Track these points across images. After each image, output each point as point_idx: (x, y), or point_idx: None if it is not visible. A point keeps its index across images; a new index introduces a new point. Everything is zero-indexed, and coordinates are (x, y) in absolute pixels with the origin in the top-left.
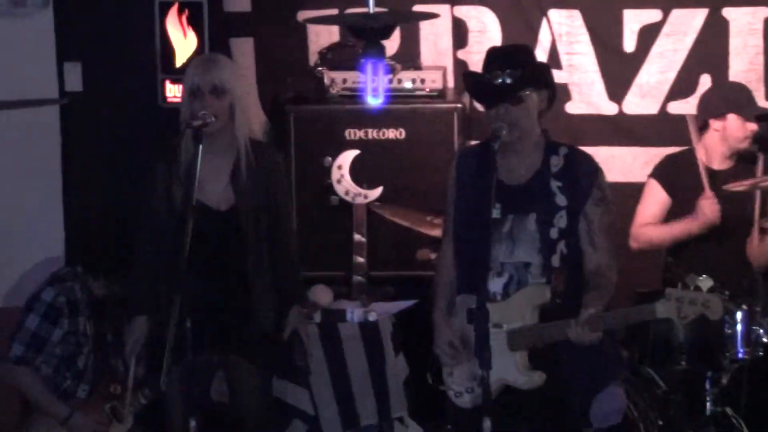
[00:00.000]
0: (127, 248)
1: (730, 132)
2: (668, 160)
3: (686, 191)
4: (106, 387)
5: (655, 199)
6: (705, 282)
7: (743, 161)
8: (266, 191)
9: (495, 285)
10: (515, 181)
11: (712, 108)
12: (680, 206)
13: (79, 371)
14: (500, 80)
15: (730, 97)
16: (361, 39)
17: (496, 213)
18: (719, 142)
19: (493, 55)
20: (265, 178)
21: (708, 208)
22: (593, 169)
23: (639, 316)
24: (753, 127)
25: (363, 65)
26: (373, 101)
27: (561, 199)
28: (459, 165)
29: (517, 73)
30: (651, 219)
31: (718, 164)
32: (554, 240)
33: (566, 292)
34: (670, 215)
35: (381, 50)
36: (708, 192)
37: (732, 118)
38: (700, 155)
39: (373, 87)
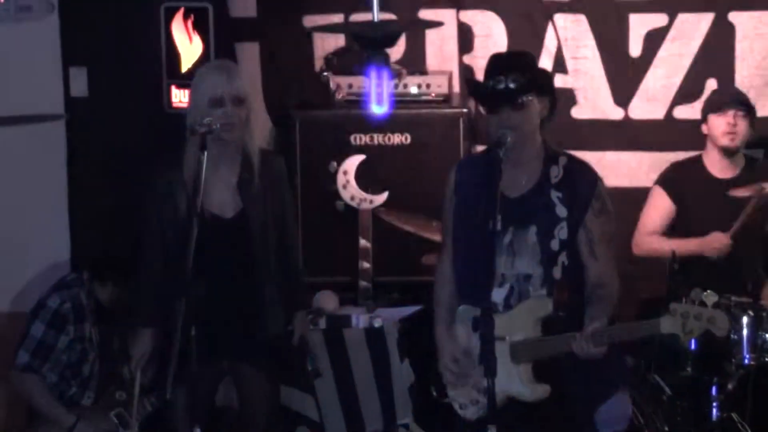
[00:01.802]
0: (133, 254)
1: (712, 131)
2: (674, 167)
3: (692, 199)
4: (111, 394)
5: (660, 207)
6: (710, 297)
7: (750, 168)
8: (273, 199)
9: (496, 296)
10: (515, 192)
11: (701, 116)
12: (685, 214)
13: (84, 378)
14: (503, 85)
15: (709, 101)
16: (366, 47)
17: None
18: (710, 146)
19: (495, 60)
20: (272, 186)
21: (718, 243)
22: (593, 179)
23: (643, 331)
24: (729, 119)
25: (367, 73)
26: (378, 109)
27: (561, 210)
28: (459, 175)
29: (519, 78)
30: (655, 226)
31: (721, 172)
32: (555, 252)
33: (569, 304)
34: (675, 222)
35: (386, 58)
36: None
37: (712, 119)
38: (707, 164)
39: (378, 95)
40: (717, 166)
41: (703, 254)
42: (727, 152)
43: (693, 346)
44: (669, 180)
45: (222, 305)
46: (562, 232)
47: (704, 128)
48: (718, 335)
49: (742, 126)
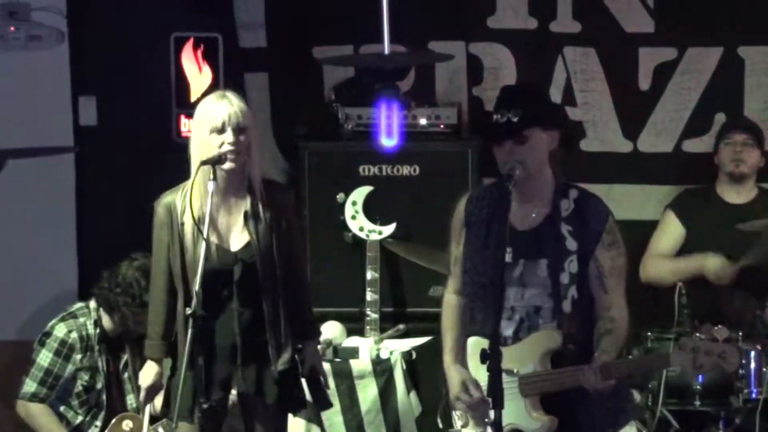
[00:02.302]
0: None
1: (720, 159)
2: (687, 192)
3: (702, 224)
4: (118, 423)
5: (670, 230)
6: (721, 332)
7: (763, 199)
8: (280, 230)
9: (505, 329)
10: (525, 225)
11: (713, 148)
12: (695, 238)
13: (91, 407)
14: (506, 118)
15: (720, 131)
16: (376, 80)
17: (507, 257)
18: (721, 175)
19: (504, 92)
20: (279, 217)
21: (716, 267)
22: (604, 212)
23: (653, 365)
24: (735, 146)
25: (377, 106)
26: (388, 142)
27: (572, 244)
28: (468, 207)
29: (522, 111)
30: (665, 250)
31: (732, 198)
32: (565, 285)
33: (578, 338)
34: (685, 247)
35: (396, 91)
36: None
37: (720, 147)
38: (719, 191)
39: (388, 127)
40: (728, 193)
41: (704, 275)
42: (735, 179)
43: (700, 380)
44: (680, 204)
45: (228, 337)
46: (572, 265)
47: (716, 159)
48: (728, 370)
49: (750, 153)
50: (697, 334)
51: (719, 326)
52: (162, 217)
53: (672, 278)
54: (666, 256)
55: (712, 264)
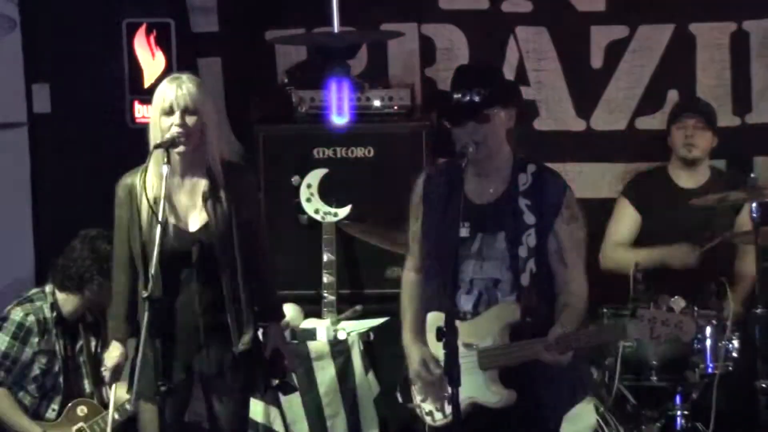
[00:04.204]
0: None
1: (672, 142)
2: (639, 177)
3: (657, 209)
4: (74, 408)
5: (626, 218)
6: (677, 302)
7: (715, 179)
8: (239, 211)
9: (464, 303)
10: (484, 199)
11: (666, 128)
12: (650, 224)
13: (47, 391)
14: (467, 98)
15: (671, 112)
16: (327, 58)
17: (464, 232)
18: (674, 157)
19: (461, 73)
20: (238, 199)
21: (684, 255)
22: (561, 187)
23: (610, 335)
24: (686, 130)
25: (328, 84)
26: (338, 120)
27: (529, 218)
28: (427, 184)
29: (484, 91)
30: (622, 238)
31: (685, 182)
32: (524, 258)
33: (537, 311)
34: (641, 233)
35: (346, 69)
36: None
37: (672, 130)
38: (672, 174)
39: (338, 106)
40: (681, 177)
41: (669, 264)
42: (688, 162)
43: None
44: (634, 190)
45: (189, 319)
46: (530, 239)
47: (669, 140)
48: (684, 340)
49: (701, 137)
50: (653, 305)
51: (675, 297)
52: (122, 198)
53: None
54: (624, 244)
55: (678, 253)
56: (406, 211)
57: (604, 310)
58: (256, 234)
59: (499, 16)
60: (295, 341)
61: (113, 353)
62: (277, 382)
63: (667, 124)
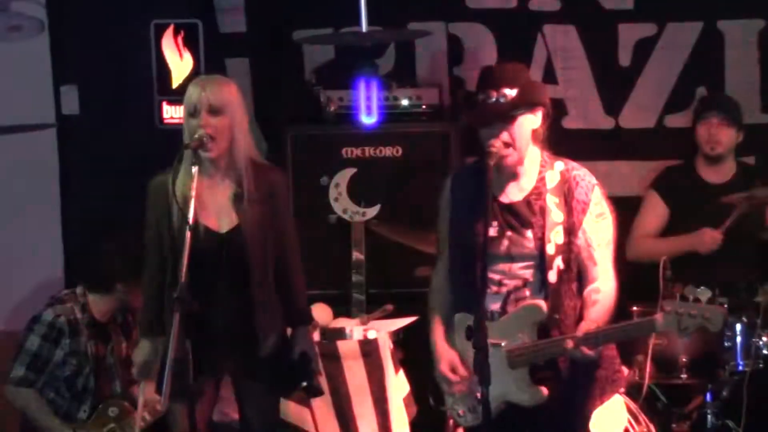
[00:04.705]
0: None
1: (698, 139)
2: (668, 171)
3: (685, 203)
4: (105, 409)
5: (654, 211)
6: (704, 293)
7: (742, 174)
8: (269, 212)
9: (492, 302)
10: (512, 198)
11: (692, 124)
12: (678, 218)
13: (79, 392)
14: (494, 100)
15: (695, 109)
16: (355, 57)
17: (492, 231)
18: (700, 153)
19: (487, 74)
20: (268, 200)
21: (709, 238)
22: (590, 184)
23: (639, 330)
24: (710, 127)
25: (356, 84)
26: (367, 119)
27: (557, 215)
28: (454, 185)
29: (511, 93)
30: (650, 230)
31: (712, 177)
32: (551, 256)
33: (565, 308)
34: (669, 226)
35: (374, 68)
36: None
37: (697, 127)
38: (699, 169)
39: (367, 105)
40: (707, 172)
41: (695, 250)
42: (710, 159)
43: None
44: (662, 184)
45: (219, 320)
46: (558, 236)
47: (694, 136)
48: (712, 330)
49: (725, 133)
50: (680, 298)
51: (702, 287)
52: (153, 197)
53: (661, 257)
54: (652, 235)
55: (703, 238)
56: (434, 211)
57: (634, 309)
58: (286, 235)
59: (527, 14)
60: (325, 341)
61: (142, 351)
62: (304, 384)
63: (693, 118)
